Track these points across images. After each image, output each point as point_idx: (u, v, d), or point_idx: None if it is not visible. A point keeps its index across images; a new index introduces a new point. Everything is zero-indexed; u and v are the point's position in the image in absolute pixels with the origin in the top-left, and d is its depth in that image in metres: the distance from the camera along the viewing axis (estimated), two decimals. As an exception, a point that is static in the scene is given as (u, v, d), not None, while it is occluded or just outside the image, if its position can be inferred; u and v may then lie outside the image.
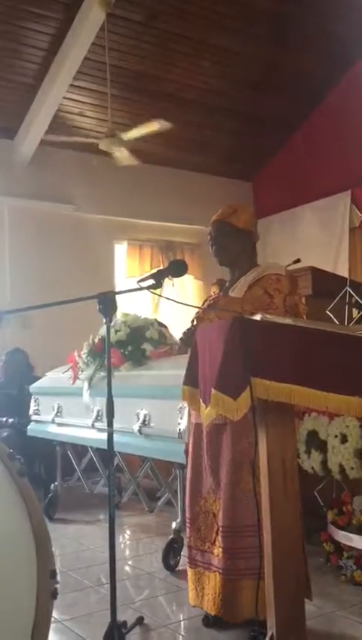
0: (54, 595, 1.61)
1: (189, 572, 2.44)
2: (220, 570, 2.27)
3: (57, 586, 1.62)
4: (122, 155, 5.23)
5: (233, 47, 5.74)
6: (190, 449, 2.50)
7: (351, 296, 3.57)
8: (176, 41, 5.54)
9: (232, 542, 2.25)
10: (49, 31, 5.18)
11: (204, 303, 2.65)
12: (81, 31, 5.06)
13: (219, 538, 2.29)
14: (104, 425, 3.07)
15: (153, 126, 4.99)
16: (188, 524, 2.46)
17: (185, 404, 2.71)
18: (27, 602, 1.54)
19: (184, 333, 2.64)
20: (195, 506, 2.42)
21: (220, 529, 2.29)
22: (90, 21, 4.99)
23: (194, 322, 2.59)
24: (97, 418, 3.73)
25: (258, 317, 1.82)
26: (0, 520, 1.55)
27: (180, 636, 2.43)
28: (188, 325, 2.64)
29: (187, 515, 2.47)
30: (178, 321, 4.84)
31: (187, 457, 2.55)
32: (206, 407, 1.94)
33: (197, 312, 2.59)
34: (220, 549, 2.28)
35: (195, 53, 5.71)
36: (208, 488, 2.38)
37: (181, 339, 2.70)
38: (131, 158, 5.28)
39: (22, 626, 1.54)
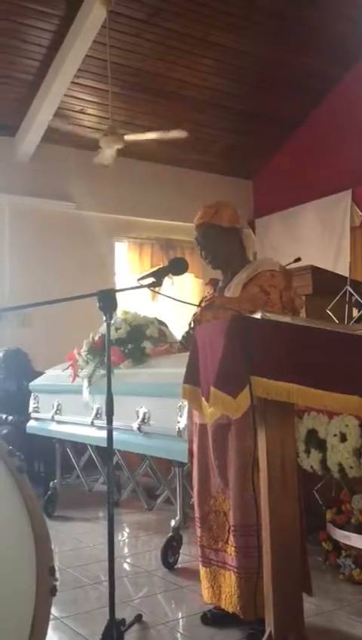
0: (53, 591, 1.61)
1: (202, 570, 2.44)
2: (235, 569, 2.27)
3: (56, 583, 1.62)
4: (106, 154, 5.21)
5: (234, 45, 5.73)
6: (195, 449, 2.49)
7: (351, 295, 3.57)
8: (178, 39, 5.53)
9: (244, 541, 2.25)
10: (50, 28, 5.17)
11: (199, 304, 2.64)
12: (83, 28, 5.05)
13: (232, 537, 2.30)
14: (103, 423, 3.07)
15: (168, 134, 5.05)
16: (198, 524, 2.46)
17: (185, 403, 2.71)
18: (26, 599, 1.54)
19: (183, 337, 2.63)
20: (205, 506, 2.42)
21: (232, 528, 2.30)
22: (92, 18, 4.98)
23: (192, 325, 2.58)
24: (97, 416, 3.73)
25: (258, 315, 1.82)
26: (-1, 517, 1.55)
27: (178, 634, 2.43)
28: (187, 328, 2.64)
29: (196, 514, 2.47)
30: (178, 320, 4.84)
31: (192, 458, 2.55)
32: (209, 407, 1.94)
33: (194, 314, 2.58)
34: (233, 548, 2.28)
35: (197, 51, 5.70)
36: (217, 488, 2.38)
37: (180, 342, 2.69)
38: (111, 159, 5.28)
39: (21, 623, 1.54)
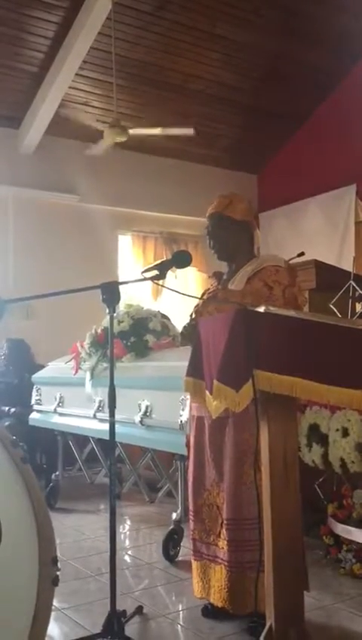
0: (55, 581, 1.62)
1: (194, 564, 2.44)
2: (226, 563, 2.27)
3: (59, 573, 1.63)
4: (101, 145, 5.20)
5: (241, 39, 5.71)
6: (191, 442, 2.50)
7: (354, 289, 3.56)
8: (183, 32, 5.50)
9: (237, 534, 2.25)
10: (55, 19, 5.15)
11: (202, 296, 2.63)
12: (88, 20, 5.03)
13: (224, 531, 2.29)
14: (106, 415, 3.08)
15: (175, 130, 5.05)
16: (191, 517, 2.46)
17: (187, 396, 2.71)
18: (28, 588, 1.55)
19: (184, 327, 2.63)
20: (198, 499, 2.42)
21: (225, 522, 2.29)
22: (97, 10, 4.96)
23: (193, 316, 2.58)
24: (99, 409, 3.74)
25: (261, 309, 1.81)
26: (2, 506, 1.55)
27: (179, 626, 2.44)
28: (188, 319, 2.63)
29: (190, 507, 2.47)
30: (181, 314, 4.84)
31: (188, 450, 2.55)
32: (214, 400, 1.94)
33: (196, 306, 2.58)
34: (225, 542, 2.28)
35: (202, 44, 5.68)
36: (211, 481, 2.38)
37: (181, 333, 2.69)
38: (104, 150, 5.27)
39: (23, 613, 1.55)
